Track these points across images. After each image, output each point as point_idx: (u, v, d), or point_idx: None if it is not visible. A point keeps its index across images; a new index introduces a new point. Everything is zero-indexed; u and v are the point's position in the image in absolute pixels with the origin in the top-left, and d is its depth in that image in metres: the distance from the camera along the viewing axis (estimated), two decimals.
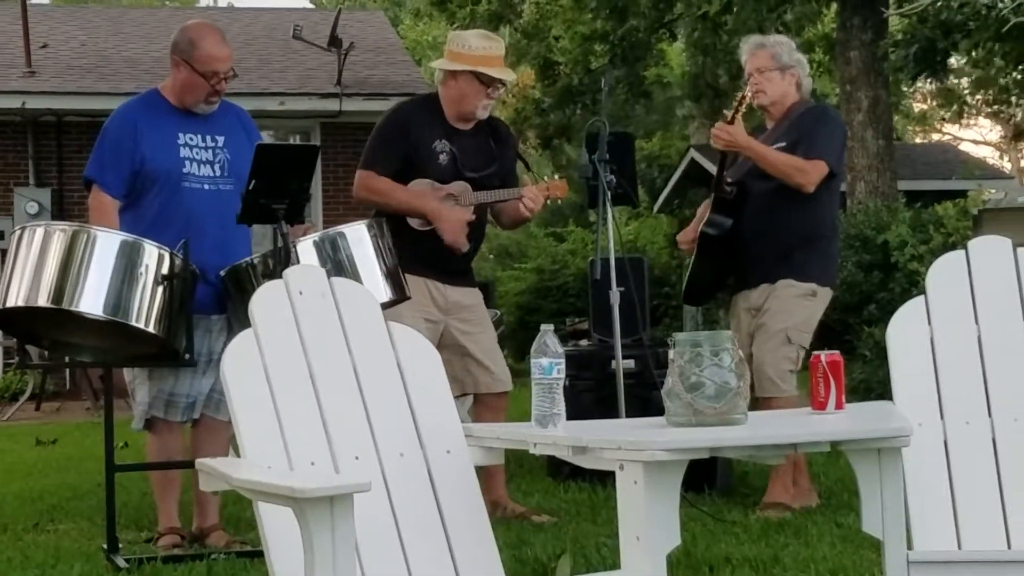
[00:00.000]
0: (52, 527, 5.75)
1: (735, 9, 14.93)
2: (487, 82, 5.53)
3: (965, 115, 28.12)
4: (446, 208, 5.48)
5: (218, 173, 5.06)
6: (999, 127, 31.20)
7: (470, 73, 5.51)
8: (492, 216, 5.85)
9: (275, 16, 18.23)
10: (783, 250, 5.55)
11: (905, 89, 24.16)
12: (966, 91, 24.07)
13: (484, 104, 5.58)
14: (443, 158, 5.54)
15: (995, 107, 25.35)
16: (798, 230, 5.56)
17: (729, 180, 5.69)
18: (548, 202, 5.84)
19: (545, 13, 20.56)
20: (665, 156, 24.43)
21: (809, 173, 5.49)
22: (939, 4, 13.01)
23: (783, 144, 5.56)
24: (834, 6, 16.65)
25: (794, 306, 5.54)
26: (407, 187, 5.51)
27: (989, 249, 3.54)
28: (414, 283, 5.31)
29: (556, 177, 5.98)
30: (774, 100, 5.68)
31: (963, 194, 14.83)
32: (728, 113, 5.62)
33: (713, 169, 5.96)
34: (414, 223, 5.50)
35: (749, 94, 5.63)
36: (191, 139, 5.06)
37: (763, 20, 16.10)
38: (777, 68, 5.67)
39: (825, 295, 5.66)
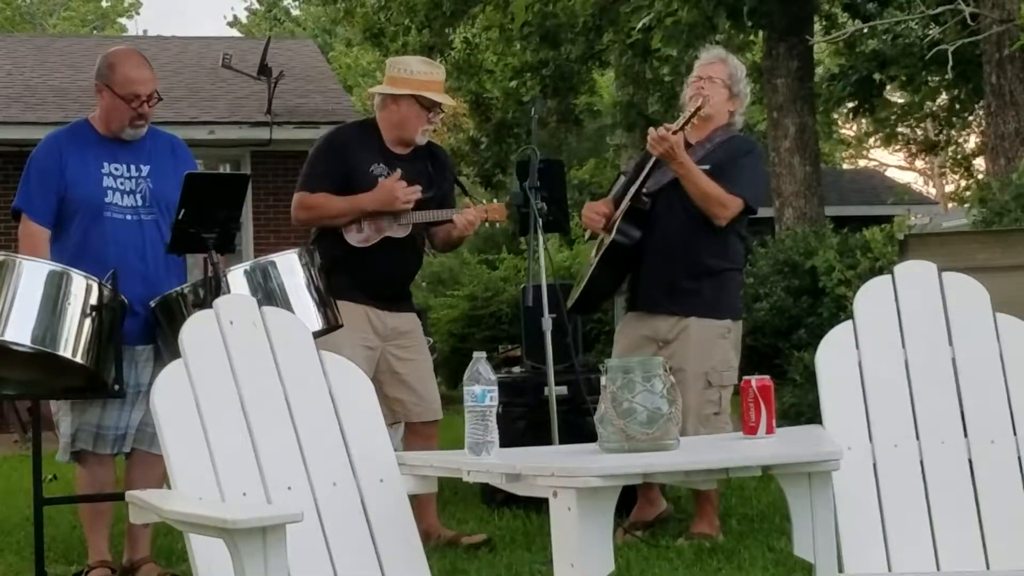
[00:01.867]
0: None
1: (667, 28, 15.03)
2: (428, 106, 5.54)
3: (892, 143, 28.50)
4: (377, 188, 5.46)
5: (140, 203, 5.02)
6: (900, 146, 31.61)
7: (411, 97, 5.51)
8: (427, 238, 5.84)
9: (204, 45, 18.14)
10: (693, 279, 5.46)
11: (836, 117, 24.49)
12: (894, 117, 24.46)
13: (424, 129, 5.58)
14: (384, 183, 5.53)
15: (917, 132, 25.77)
16: (710, 259, 5.48)
17: (645, 191, 5.58)
18: (487, 225, 5.84)
19: (475, 47, 20.60)
20: (597, 184, 24.53)
21: (728, 208, 5.40)
22: (866, 32, 13.22)
23: (706, 167, 5.42)
24: (762, 34, 16.82)
25: (712, 348, 5.46)
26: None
27: (915, 274, 3.59)
28: (353, 310, 5.30)
29: (494, 201, 5.96)
30: (710, 112, 5.48)
31: (889, 219, 15.00)
32: (678, 121, 5.40)
33: None
34: (353, 239, 5.48)
35: (702, 107, 5.39)
36: (115, 169, 5.01)
37: (692, 48, 16.23)
38: (725, 85, 5.56)
39: (738, 329, 5.62)
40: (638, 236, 5.57)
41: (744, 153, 5.59)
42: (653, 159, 5.52)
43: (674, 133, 5.35)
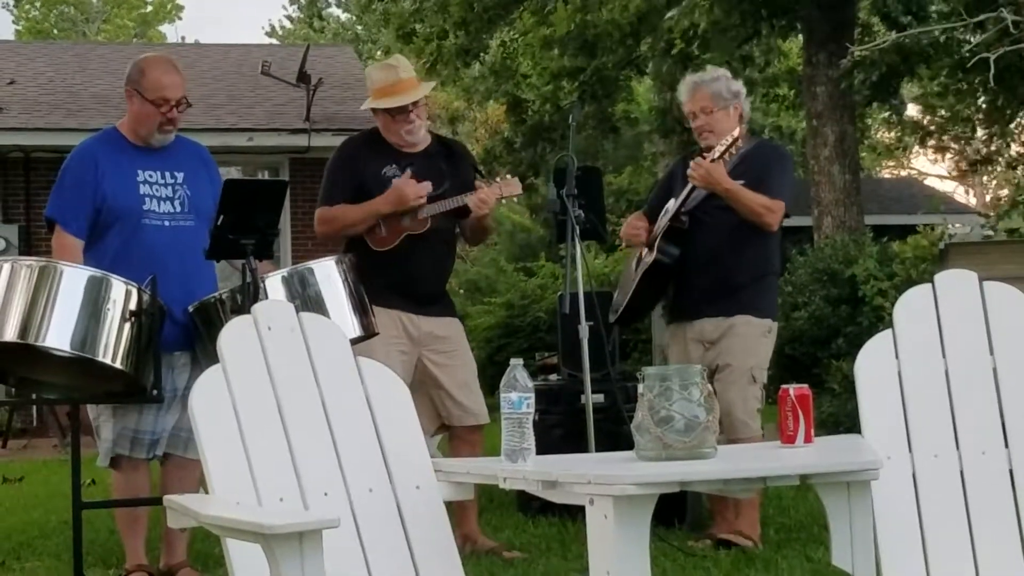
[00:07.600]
0: (19, 565, 5.70)
1: (709, 43, 15.02)
2: (393, 112, 5.55)
3: (926, 146, 28.26)
4: (389, 190, 5.49)
5: (178, 209, 5.04)
6: (949, 160, 31.38)
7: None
8: (460, 234, 5.83)
9: (244, 52, 18.22)
10: (737, 284, 5.53)
11: (869, 122, 24.34)
12: (925, 119, 24.31)
13: (407, 129, 5.59)
14: (395, 182, 5.54)
15: (952, 137, 25.55)
16: (753, 265, 5.58)
17: (683, 210, 5.62)
18: (504, 201, 5.80)
19: (512, 52, 20.61)
20: (634, 191, 24.50)
21: (776, 213, 5.51)
22: (900, 40, 13.15)
23: (741, 183, 5.47)
24: (800, 40, 16.77)
25: (756, 345, 5.55)
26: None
27: (955, 283, 3.56)
28: (385, 315, 5.30)
29: (507, 177, 5.84)
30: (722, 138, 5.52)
31: (930, 229, 14.91)
32: (714, 151, 5.44)
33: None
34: (375, 243, 5.49)
35: (738, 137, 5.44)
36: (150, 176, 5.03)
37: (730, 55, 16.20)
38: (721, 108, 5.60)
39: (775, 330, 5.71)
40: (677, 254, 5.63)
41: (773, 159, 5.73)
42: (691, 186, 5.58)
43: (711, 162, 5.42)
